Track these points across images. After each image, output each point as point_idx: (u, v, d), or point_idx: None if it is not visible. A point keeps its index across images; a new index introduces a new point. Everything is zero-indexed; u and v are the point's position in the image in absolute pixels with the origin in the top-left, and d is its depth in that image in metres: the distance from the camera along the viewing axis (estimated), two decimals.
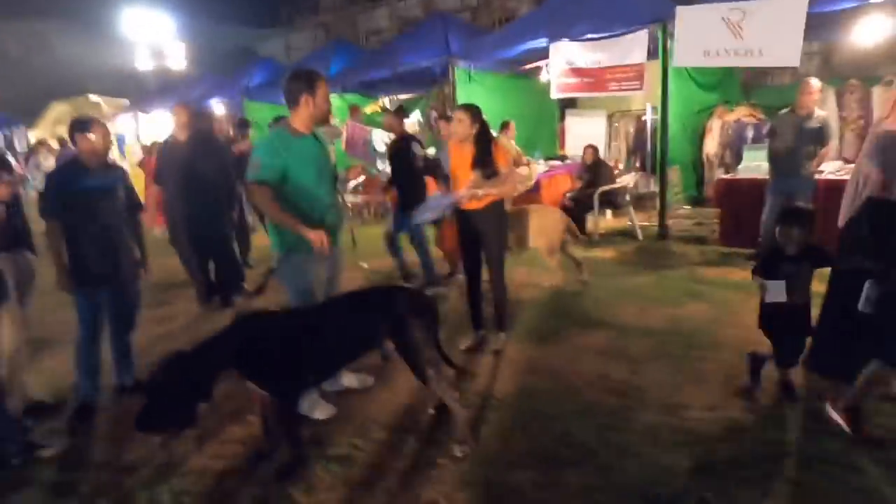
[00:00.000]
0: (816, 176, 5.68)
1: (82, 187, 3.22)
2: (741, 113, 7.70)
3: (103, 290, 3.34)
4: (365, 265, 6.43)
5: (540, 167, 8.23)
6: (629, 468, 2.57)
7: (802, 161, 5.46)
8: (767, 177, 5.91)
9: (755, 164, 6.47)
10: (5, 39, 32.90)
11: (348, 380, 3.49)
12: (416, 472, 2.63)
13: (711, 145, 7.75)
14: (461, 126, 3.68)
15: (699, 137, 7.94)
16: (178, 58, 21.44)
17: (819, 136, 5.43)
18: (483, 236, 3.84)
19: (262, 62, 14.13)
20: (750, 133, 7.50)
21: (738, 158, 7.50)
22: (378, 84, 10.33)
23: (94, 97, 17.59)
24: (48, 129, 17.09)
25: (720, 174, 7.52)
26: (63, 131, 17.34)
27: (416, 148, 5.37)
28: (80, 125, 3.30)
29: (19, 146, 16.36)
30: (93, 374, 3.38)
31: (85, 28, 30.14)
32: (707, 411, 3.02)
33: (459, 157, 3.79)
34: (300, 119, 3.06)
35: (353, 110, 10.38)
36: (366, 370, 3.59)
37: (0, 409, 2.86)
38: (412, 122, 9.98)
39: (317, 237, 2.86)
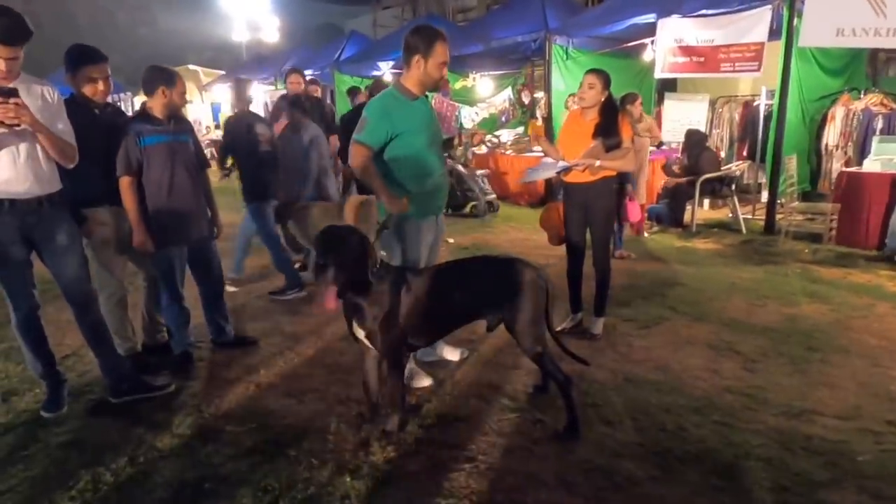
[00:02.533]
0: None
1: (157, 140, 3.14)
2: (870, 101, 6.98)
3: (181, 247, 3.31)
4: (450, 240, 6.35)
5: None
6: (756, 471, 2.34)
7: None
8: None
9: (886, 158, 5.85)
10: (115, 11, 35.04)
11: (444, 351, 3.42)
12: (521, 450, 2.52)
13: (832, 135, 7.08)
14: (592, 92, 3.48)
15: (817, 126, 7.28)
16: (271, 31, 22.12)
17: None
18: (591, 212, 3.64)
19: (352, 36, 14.26)
20: (879, 124, 6.78)
21: (862, 151, 6.82)
22: (469, 59, 10.15)
23: (193, 67, 18.44)
24: None
25: (839, 167, 6.87)
26: None
27: (260, 128, 4.51)
28: (162, 77, 3.16)
29: (125, 110, 17.40)
30: (183, 327, 3.41)
31: (186, 1, 31.65)
32: (842, 420, 2.73)
33: (578, 126, 3.60)
34: (411, 80, 2.93)
35: (443, 85, 10.29)
36: (460, 342, 3.51)
37: (107, 346, 2.98)
38: (502, 99, 9.80)
39: (398, 207, 2.76)
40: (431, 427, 2.70)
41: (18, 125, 2.46)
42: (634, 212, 5.46)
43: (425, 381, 3.09)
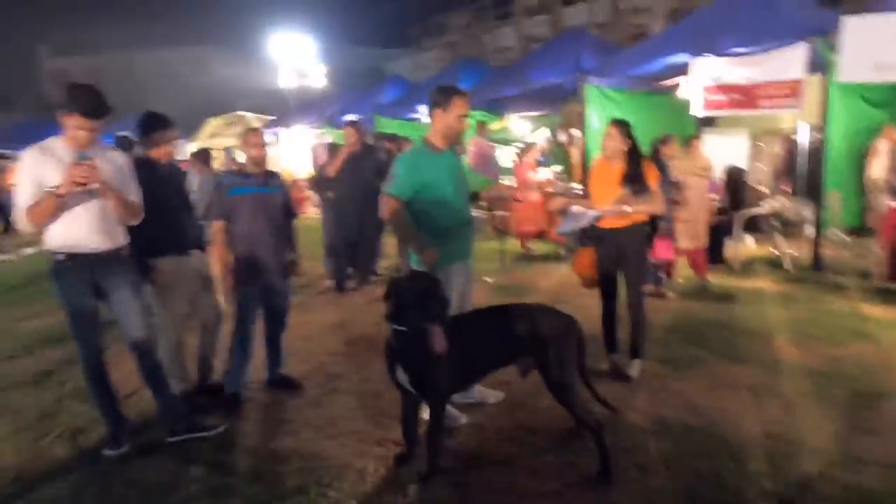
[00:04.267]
0: None
1: (242, 192, 3.54)
2: None
3: (258, 287, 3.60)
4: (489, 280, 6.45)
5: None
6: None
7: None
8: None
9: None
10: (174, 63, 37.37)
11: (480, 393, 3.50)
12: (555, 494, 2.57)
13: (877, 169, 6.92)
14: (612, 141, 3.61)
15: (862, 160, 7.13)
16: (317, 77, 23.14)
17: None
18: (623, 256, 3.71)
19: (392, 80, 14.80)
20: None
21: None
22: (505, 101, 10.41)
23: (242, 113, 19.44)
24: (205, 142, 19.12)
25: (887, 202, 6.68)
26: (216, 143, 19.42)
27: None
28: (243, 137, 3.71)
29: (180, 157, 18.39)
30: (243, 366, 3.66)
31: (238, 52, 33.52)
32: (887, 469, 2.67)
33: (605, 174, 3.71)
34: (435, 134, 3.15)
35: (480, 127, 10.54)
36: (496, 385, 3.58)
37: (164, 388, 3.19)
38: (541, 140, 9.96)
39: (429, 257, 2.91)
40: (467, 469, 2.78)
41: (91, 185, 2.75)
42: (664, 249, 5.36)
43: (460, 420, 3.18)
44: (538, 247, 8.14)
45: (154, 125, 3.41)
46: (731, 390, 3.57)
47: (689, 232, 5.87)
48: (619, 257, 3.74)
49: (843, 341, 4.30)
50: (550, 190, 7.94)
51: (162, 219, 3.31)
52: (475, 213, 9.40)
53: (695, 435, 3.03)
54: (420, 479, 2.67)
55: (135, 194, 3.03)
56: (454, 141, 3.25)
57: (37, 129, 13.84)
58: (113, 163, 2.95)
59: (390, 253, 7.34)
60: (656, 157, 5.48)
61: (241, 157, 3.76)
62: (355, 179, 6.07)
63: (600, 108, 8.50)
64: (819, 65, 6.28)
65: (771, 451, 2.86)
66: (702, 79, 7.15)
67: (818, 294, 5.56)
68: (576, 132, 9.61)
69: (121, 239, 3.02)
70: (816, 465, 2.72)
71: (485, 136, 10.20)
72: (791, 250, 6.76)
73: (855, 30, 5.73)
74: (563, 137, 10.11)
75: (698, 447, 2.91)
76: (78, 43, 34.67)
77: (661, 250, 5.29)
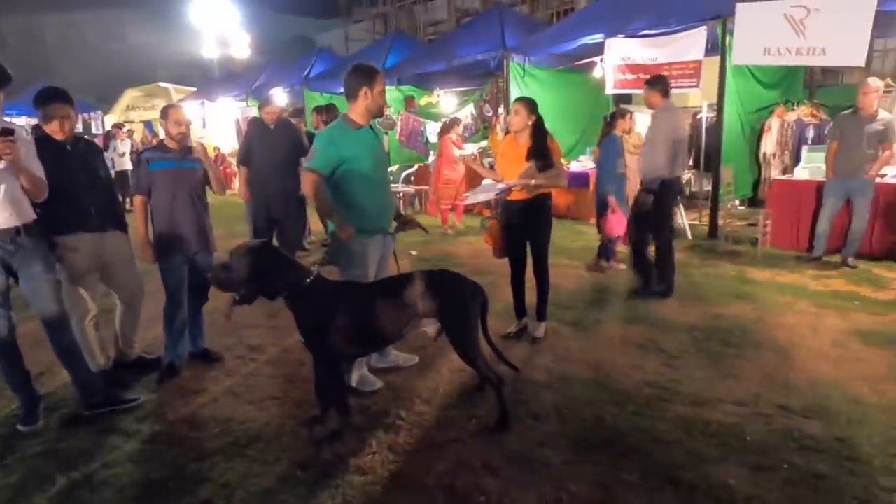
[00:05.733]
0: (878, 179, 5.55)
1: (163, 166, 3.60)
2: (802, 112, 7.51)
3: (181, 260, 3.67)
4: (413, 252, 6.66)
5: (590, 163, 8.26)
6: (657, 453, 2.69)
7: (863, 163, 5.35)
8: (825, 178, 5.81)
9: (814, 166, 6.34)
10: (84, 27, 34.73)
11: (395, 357, 3.72)
12: (455, 442, 2.84)
13: (769, 145, 7.59)
14: (518, 117, 3.85)
15: (757, 136, 7.79)
16: (241, 47, 22.30)
17: (882, 138, 5.32)
18: (530, 227, 3.99)
19: (321, 53, 14.55)
20: (810, 133, 7.31)
21: (796, 159, 7.33)
22: (433, 76, 10.54)
23: (164, 84, 18.55)
24: (122, 115, 18.13)
25: (777, 175, 7.37)
26: (135, 116, 18.43)
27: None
28: (161, 112, 3.75)
29: (96, 130, 17.39)
30: (178, 338, 3.74)
31: (156, 17, 31.62)
32: (740, 406, 3.10)
33: (512, 150, 3.96)
34: (358, 111, 3.26)
35: (409, 101, 10.63)
36: (412, 349, 3.82)
37: (79, 364, 3.21)
38: (465, 114, 10.17)
39: (345, 233, 3.08)
40: (378, 426, 3.00)
41: (6, 161, 2.71)
42: (618, 224, 5.64)
43: (373, 385, 3.39)
44: (462, 221, 8.40)
45: (46, 98, 3.28)
46: (624, 346, 3.96)
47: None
48: (525, 228, 4.02)
49: (725, 302, 4.81)
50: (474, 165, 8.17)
51: (69, 195, 3.27)
52: (403, 188, 9.53)
53: (585, 387, 3.38)
54: (331, 436, 2.87)
55: (39, 170, 3.00)
56: (375, 116, 3.39)
57: None
58: (19, 137, 2.90)
59: (318, 229, 7.43)
60: (609, 132, 5.79)
61: (163, 132, 3.75)
62: (272, 156, 5.90)
63: (523, 84, 8.81)
64: (717, 47, 6.79)
65: (648, 396, 3.25)
66: (614, 58, 7.54)
67: (711, 259, 6.12)
68: (500, 109, 9.89)
69: (28, 214, 2.99)
70: (685, 406, 3.12)
71: (413, 110, 10.31)
72: (692, 221, 7.34)
73: (746, 15, 6.23)
74: (488, 113, 10.36)
75: (588, 397, 3.26)
76: None
77: (613, 226, 5.63)
